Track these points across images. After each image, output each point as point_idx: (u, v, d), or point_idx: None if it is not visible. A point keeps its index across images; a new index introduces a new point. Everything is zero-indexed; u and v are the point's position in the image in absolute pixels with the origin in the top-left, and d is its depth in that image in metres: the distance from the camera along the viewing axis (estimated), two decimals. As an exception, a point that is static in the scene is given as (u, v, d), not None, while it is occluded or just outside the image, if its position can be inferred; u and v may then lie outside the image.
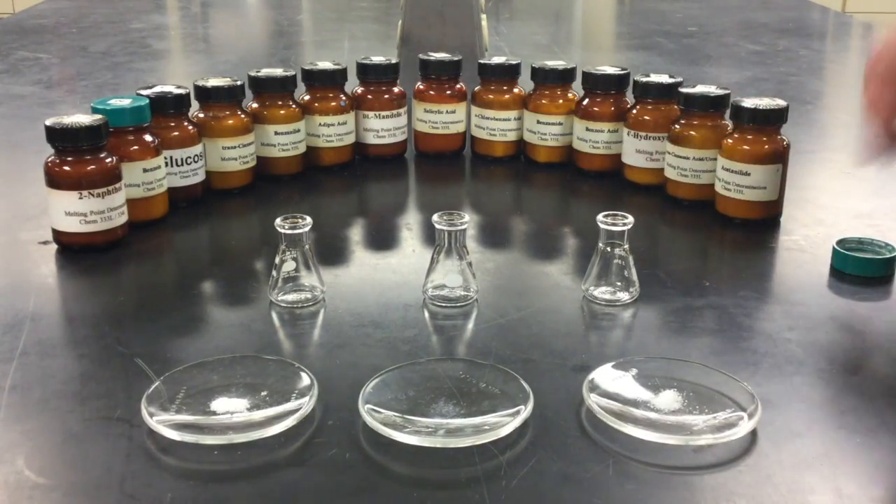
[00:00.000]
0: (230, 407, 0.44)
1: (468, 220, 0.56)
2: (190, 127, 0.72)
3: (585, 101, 0.81)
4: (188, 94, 0.73)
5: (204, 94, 0.75)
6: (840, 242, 0.63)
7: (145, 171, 0.67)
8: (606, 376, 0.47)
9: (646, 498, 0.39)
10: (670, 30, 1.65)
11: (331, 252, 0.66)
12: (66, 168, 0.62)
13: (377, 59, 0.85)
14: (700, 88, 0.74)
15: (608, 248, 0.56)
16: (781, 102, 0.69)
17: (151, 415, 0.43)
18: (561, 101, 0.83)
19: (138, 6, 1.89)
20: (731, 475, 0.40)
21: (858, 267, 0.61)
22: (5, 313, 0.55)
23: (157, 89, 0.72)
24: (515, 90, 0.85)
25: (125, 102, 0.67)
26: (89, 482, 0.39)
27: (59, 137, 0.62)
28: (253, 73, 0.79)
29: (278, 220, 0.55)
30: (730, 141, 0.69)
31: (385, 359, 0.49)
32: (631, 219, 0.56)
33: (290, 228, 0.55)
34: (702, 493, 0.39)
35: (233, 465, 0.41)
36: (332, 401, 0.45)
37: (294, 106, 0.80)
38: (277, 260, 0.56)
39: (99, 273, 0.62)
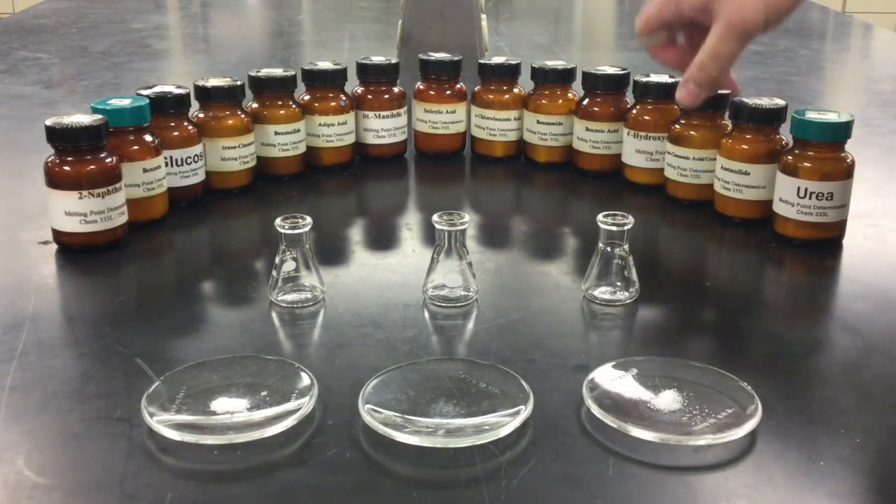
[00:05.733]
0: (230, 407, 0.44)
1: (468, 220, 0.56)
2: (190, 127, 0.72)
3: (585, 101, 0.81)
4: (188, 94, 0.73)
5: (204, 94, 0.75)
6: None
7: (145, 171, 0.67)
8: (606, 376, 0.47)
9: (646, 498, 0.39)
10: (670, 30, 1.65)
11: (331, 252, 0.66)
12: (66, 168, 0.62)
13: (377, 59, 0.85)
14: (700, 88, 0.73)
15: (608, 248, 0.56)
16: (780, 102, 0.69)
17: (151, 415, 0.43)
18: (561, 101, 0.83)
19: (138, 6, 1.89)
20: (731, 475, 0.40)
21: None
22: (5, 313, 0.55)
23: (157, 89, 0.72)
24: (515, 90, 0.85)
25: (125, 102, 0.67)
26: (89, 482, 0.39)
27: (59, 137, 0.62)
28: (253, 73, 0.79)
29: (278, 220, 0.55)
30: (729, 140, 0.69)
31: (385, 359, 0.49)
32: (631, 219, 0.56)
33: (290, 228, 0.55)
34: (702, 493, 0.39)
35: (233, 465, 0.41)
36: (332, 401, 0.45)
37: (294, 106, 0.80)
38: (277, 260, 0.56)
39: (99, 273, 0.62)
